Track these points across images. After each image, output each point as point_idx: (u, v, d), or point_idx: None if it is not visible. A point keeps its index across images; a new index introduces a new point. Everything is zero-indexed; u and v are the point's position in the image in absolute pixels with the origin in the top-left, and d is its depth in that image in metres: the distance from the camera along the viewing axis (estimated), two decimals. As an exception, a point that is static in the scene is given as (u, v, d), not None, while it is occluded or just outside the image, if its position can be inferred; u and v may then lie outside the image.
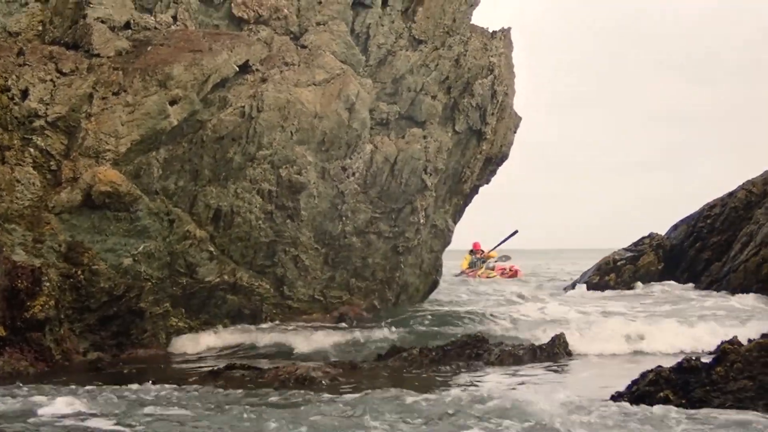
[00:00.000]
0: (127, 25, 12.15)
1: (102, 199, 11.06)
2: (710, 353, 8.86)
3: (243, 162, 12.43)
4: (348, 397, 7.92)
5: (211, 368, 9.86)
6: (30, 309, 9.93)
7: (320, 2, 13.77)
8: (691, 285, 20.69)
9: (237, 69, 12.36)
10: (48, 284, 10.17)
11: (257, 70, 12.74)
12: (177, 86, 11.58)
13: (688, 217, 22.57)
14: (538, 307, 16.64)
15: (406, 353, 10.56)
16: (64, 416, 7.17)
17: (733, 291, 18.57)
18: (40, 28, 11.92)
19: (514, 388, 8.69)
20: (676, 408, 6.95)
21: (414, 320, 14.12)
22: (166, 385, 8.61)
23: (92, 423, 6.93)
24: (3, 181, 10.81)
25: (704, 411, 6.90)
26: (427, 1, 14.87)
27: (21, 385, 8.53)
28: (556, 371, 10.33)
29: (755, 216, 19.94)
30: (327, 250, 13.72)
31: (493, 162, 17.39)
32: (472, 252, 30.91)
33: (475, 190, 17.55)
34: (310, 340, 11.97)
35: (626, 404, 7.19)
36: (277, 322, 13.14)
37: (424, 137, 14.72)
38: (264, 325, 12.81)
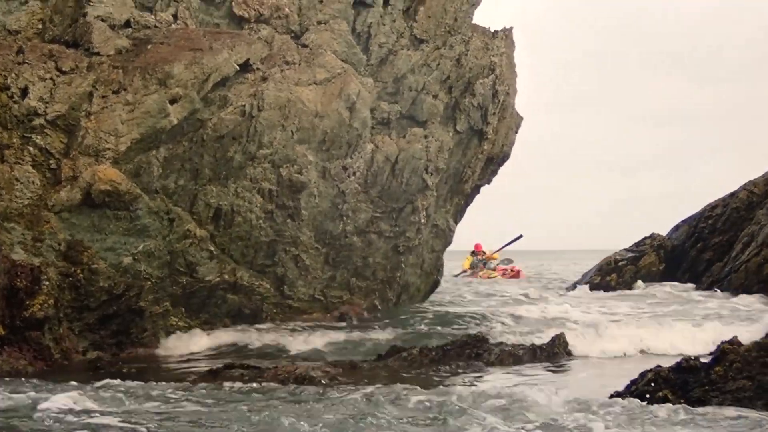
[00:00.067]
0: (127, 24, 12.13)
1: (102, 197, 11.04)
2: (711, 354, 8.83)
3: (243, 161, 12.41)
4: (352, 396, 7.90)
5: (210, 368, 9.85)
6: (29, 308, 9.90)
7: (321, 1, 13.75)
8: (692, 285, 20.67)
9: (237, 68, 12.34)
10: (47, 283, 10.15)
11: (258, 69, 12.72)
12: (177, 85, 11.57)
13: (689, 218, 22.56)
14: (538, 307, 16.64)
15: (406, 353, 10.54)
16: (68, 412, 7.16)
17: (734, 291, 18.55)
18: (40, 26, 11.90)
19: (515, 387, 8.66)
20: (674, 407, 6.93)
21: (414, 320, 14.13)
22: (173, 383, 8.64)
23: (101, 420, 6.91)
24: (2, 180, 10.79)
25: (704, 409, 6.89)
26: (428, 1, 14.85)
27: (25, 380, 8.54)
28: (556, 371, 10.32)
29: (757, 216, 19.92)
30: (327, 249, 13.71)
31: (495, 162, 17.38)
32: (473, 253, 30.79)
33: (476, 190, 17.54)
34: (309, 340, 11.95)
35: (626, 403, 7.17)
36: (277, 321, 13.12)
37: (425, 137, 14.70)
38: (262, 325, 12.79)
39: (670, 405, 7.00)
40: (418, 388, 8.01)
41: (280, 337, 12.18)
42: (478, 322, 13.96)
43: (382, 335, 12.50)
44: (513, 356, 10.82)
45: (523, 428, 6.55)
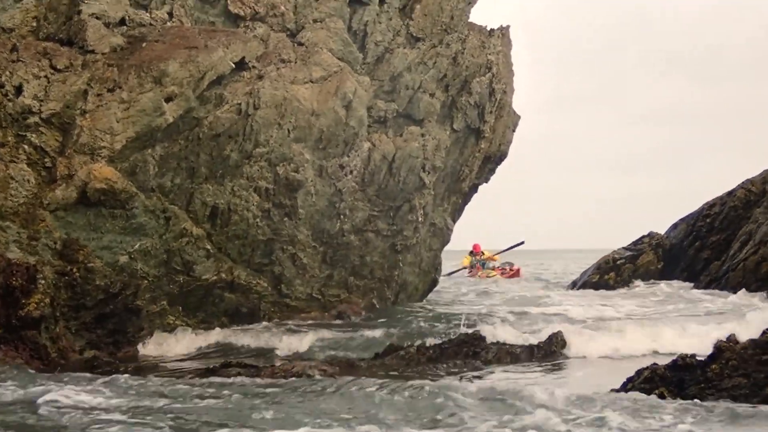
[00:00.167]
0: (122, 22, 12.10)
1: (97, 196, 11.01)
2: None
3: (240, 159, 12.38)
4: (352, 392, 7.88)
5: (206, 366, 9.83)
6: (25, 307, 9.87)
7: (317, -1, 13.74)
8: (690, 284, 20.63)
9: (233, 66, 12.31)
10: (43, 282, 10.12)
11: (254, 67, 12.70)
12: (172, 83, 11.54)
13: (687, 216, 22.52)
14: (536, 306, 16.61)
15: (403, 351, 10.51)
16: (73, 406, 7.18)
17: (732, 290, 18.51)
18: (35, 24, 11.86)
19: (513, 384, 8.63)
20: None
21: (412, 318, 14.09)
22: (173, 380, 8.64)
23: (105, 416, 6.91)
24: (-3, 179, 10.76)
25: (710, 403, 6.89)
26: (424, -1, 14.84)
27: (32, 371, 8.53)
28: (553, 369, 10.30)
29: (754, 215, 19.88)
30: (325, 248, 13.68)
31: (492, 160, 17.37)
32: (472, 253, 30.66)
33: (474, 189, 17.54)
34: (306, 339, 11.90)
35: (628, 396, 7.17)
36: (275, 320, 13.09)
37: (422, 135, 14.69)
38: (259, 324, 12.75)
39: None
40: (415, 384, 7.98)
41: (277, 336, 12.14)
42: (476, 320, 13.91)
43: (380, 334, 12.46)
44: (510, 354, 10.79)
45: (523, 425, 6.52)
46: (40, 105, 11.07)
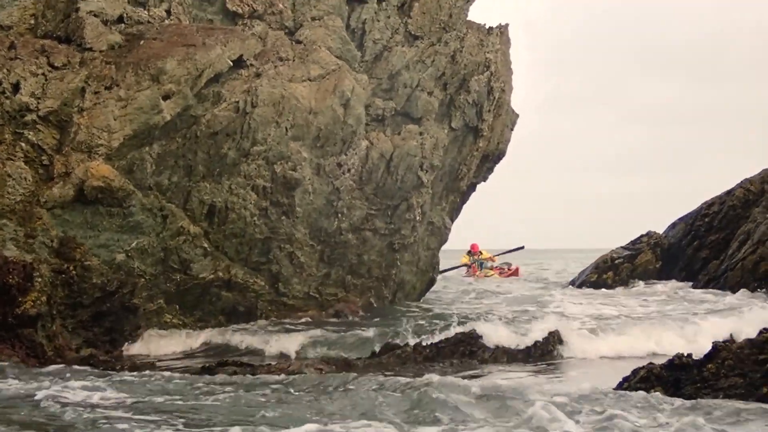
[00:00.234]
0: (120, 19, 12.09)
1: (94, 194, 11.01)
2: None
3: (237, 158, 12.37)
4: (353, 390, 7.88)
5: (202, 365, 9.82)
6: (22, 305, 9.86)
7: (315, -3, 13.72)
8: (688, 283, 20.61)
9: (231, 64, 12.30)
10: (40, 280, 10.12)
11: (251, 65, 12.69)
12: (170, 81, 11.52)
13: (686, 216, 22.50)
14: (534, 305, 16.58)
15: (399, 350, 10.52)
16: (73, 402, 7.18)
17: (731, 289, 18.49)
18: (32, 21, 11.85)
19: (510, 384, 8.62)
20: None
21: (409, 317, 14.05)
22: (172, 377, 8.63)
23: (107, 413, 6.89)
24: (-6, 176, 10.75)
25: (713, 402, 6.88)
26: (423, -3, 14.82)
27: (37, 368, 8.51)
28: (549, 368, 10.29)
29: (753, 214, 19.86)
30: (322, 246, 13.67)
31: (491, 159, 17.35)
32: (470, 253, 30.61)
33: (472, 188, 17.51)
34: (302, 337, 11.87)
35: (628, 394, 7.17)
36: (272, 319, 13.08)
37: (420, 134, 14.67)
38: (255, 323, 12.73)
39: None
40: (413, 383, 7.97)
41: (273, 334, 12.11)
42: (473, 319, 13.88)
43: (377, 332, 12.44)
44: (507, 354, 10.80)
45: (522, 421, 6.52)
46: (38, 102, 11.06)
